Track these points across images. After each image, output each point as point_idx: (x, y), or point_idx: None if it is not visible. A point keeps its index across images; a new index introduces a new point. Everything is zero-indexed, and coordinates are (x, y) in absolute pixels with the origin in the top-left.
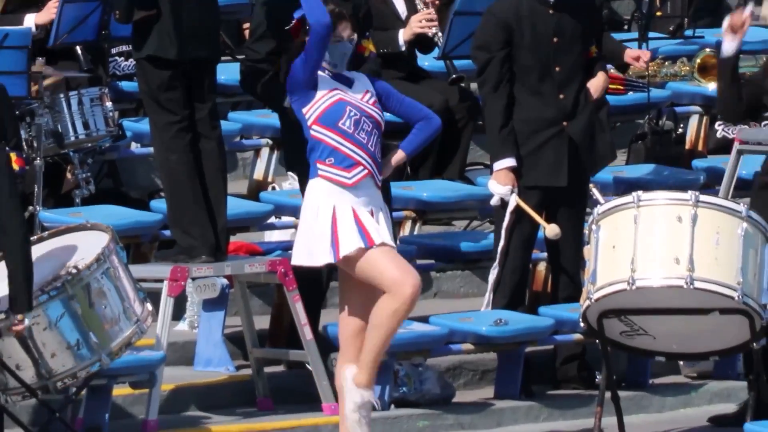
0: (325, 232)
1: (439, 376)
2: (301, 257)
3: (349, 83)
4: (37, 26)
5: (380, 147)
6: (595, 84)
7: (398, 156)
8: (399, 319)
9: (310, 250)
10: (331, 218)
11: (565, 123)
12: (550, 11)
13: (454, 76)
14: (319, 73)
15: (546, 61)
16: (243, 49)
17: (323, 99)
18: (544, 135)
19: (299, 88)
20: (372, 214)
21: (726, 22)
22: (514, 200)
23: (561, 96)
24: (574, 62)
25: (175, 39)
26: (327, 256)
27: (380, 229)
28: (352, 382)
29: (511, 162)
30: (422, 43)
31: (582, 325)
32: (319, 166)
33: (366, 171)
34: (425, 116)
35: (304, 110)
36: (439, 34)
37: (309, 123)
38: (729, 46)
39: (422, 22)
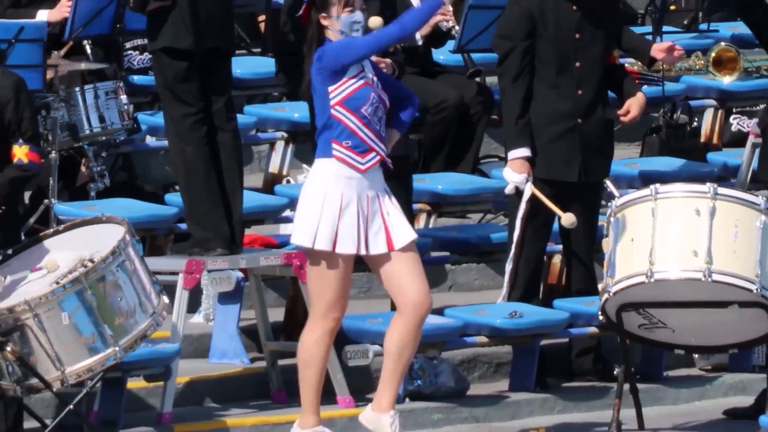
0: (331, 220)
1: (454, 369)
2: (304, 239)
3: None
4: (49, 23)
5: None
6: (638, 104)
7: (395, 137)
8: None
9: (316, 234)
10: (338, 208)
11: (579, 120)
12: (574, 7)
13: (471, 69)
14: None
15: (566, 55)
16: None
17: (351, 82)
18: (558, 129)
19: (332, 68)
20: (377, 198)
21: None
22: (529, 189)
23: (579, 92)
24: (594, 60)
25: (191, 28)
26: (325, 243)
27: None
28: None
29: (526, 152)
30: (435, 37)
31: (601, 317)
32: (334, 146)
33: (378, 157)
34: (408, 95)
35: (330, 88)
36: (456, 27)
37: (332, 103)
38: None
39: (439, 15)
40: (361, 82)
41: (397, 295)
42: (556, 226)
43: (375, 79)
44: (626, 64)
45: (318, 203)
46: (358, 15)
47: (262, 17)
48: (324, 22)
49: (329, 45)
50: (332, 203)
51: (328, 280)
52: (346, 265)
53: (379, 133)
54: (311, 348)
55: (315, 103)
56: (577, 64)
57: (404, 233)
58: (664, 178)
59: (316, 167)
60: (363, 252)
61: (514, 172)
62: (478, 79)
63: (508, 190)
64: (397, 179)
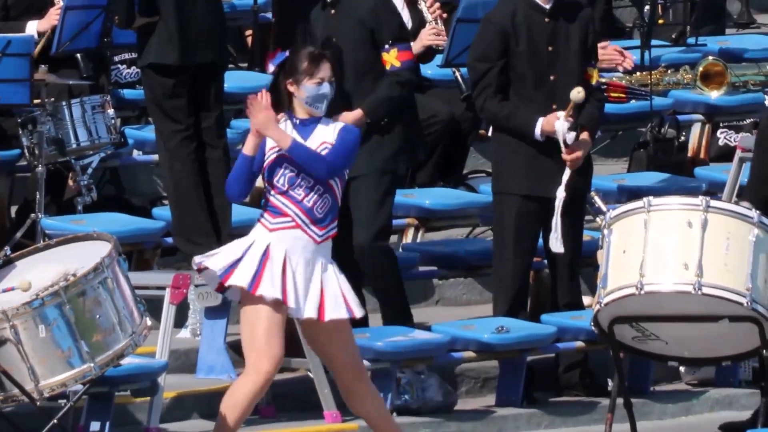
0: (254, 261)
1: (441, 383)
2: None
3: (309, 131)
4: (39, 33)
5: (327, 206)
6: (585, 148)
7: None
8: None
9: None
10: (263, 253)
11: None
12: (546, 19)
13: (466, 93)
14: (282, 117)
15: (540, 69)
16: None
17: (267, 154)
18: (537, 145)
19: None
20: (312, 265)
21: None
22: (564, 117)
23: (554, 106)
24: (569, 72)
25: (177, 44)
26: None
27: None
28: None
29: (542, 118)
30: (425, 54)
31: (594, 329)
32: (262, 211)
33: (293, 223)
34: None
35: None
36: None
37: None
38: None
39: (431, 36)
40: (276, 154)
41: (333, 372)
42: (541, 241)
43: (313, 148)
44: (614, 78)
45: (243, 247)
46: (326, 88)
47: (249, 32)
48: (291, 89)
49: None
50: (258, 249)
51: (265, 328)
52: (278, 315)
53: (300, 202)
54: (238, 396)
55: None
56: (552, 77)
57: (336, 306)
58: (652, 193)
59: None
60: (314, 315)
61: (556, 129)
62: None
63: (571, 137)
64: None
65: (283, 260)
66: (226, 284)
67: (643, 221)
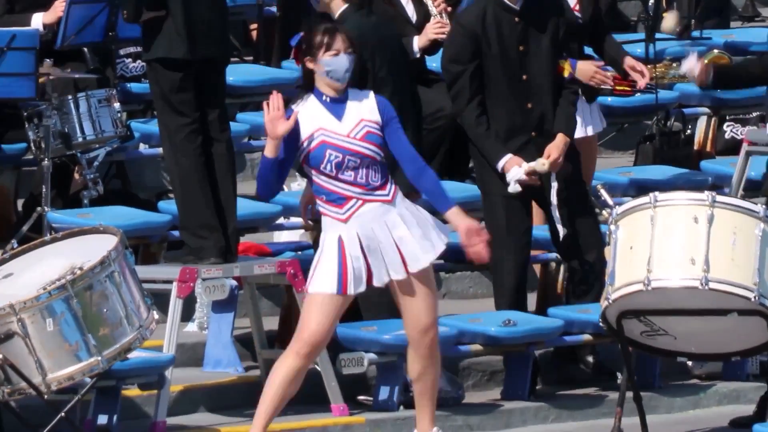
0: (331, 264)
1: (451, 378)
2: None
3: (341, 110)
4: (44, 26)
5: (378, 170)
6: (557, 149)
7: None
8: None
9: (322, 280)
10: (338, 251)
11: (533, 133)
12: (516, 19)
13: None
14: (312, 99)
15: (513, 69)
16: None
17: (306, 142)
18: (513, 145)
19: None
20: (374, 235)
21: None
22: (524, 170)
23: (528, 105)
24: (542, 71)
25: (185, 38)
26: (333, 287)
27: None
28: None
29: (509, 155)
30: (431, 48)
31: (602, 325)
32: (318, 201)
33: (359, 202)
34: (418, 168)
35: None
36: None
37: (301, 161)
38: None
39: (437, 29)
40: (317, 141)
41: (404, 322)
42: (537, 233)
43: (349, 129)
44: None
45: (319, 250)
46: (343, 59)
47: (254, 26)
48: (309, 65)
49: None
50: (331, 249)
51: (317, 313)
52: (329, 306)
53: (354, 181)
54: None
55: None
56: (525, 77)
57: (416, 259)
58: (658, 186)
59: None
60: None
61: (510, 172)
62: None
63: (514, 189)
64: None
65: (349, 247)
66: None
67: (650, 217)
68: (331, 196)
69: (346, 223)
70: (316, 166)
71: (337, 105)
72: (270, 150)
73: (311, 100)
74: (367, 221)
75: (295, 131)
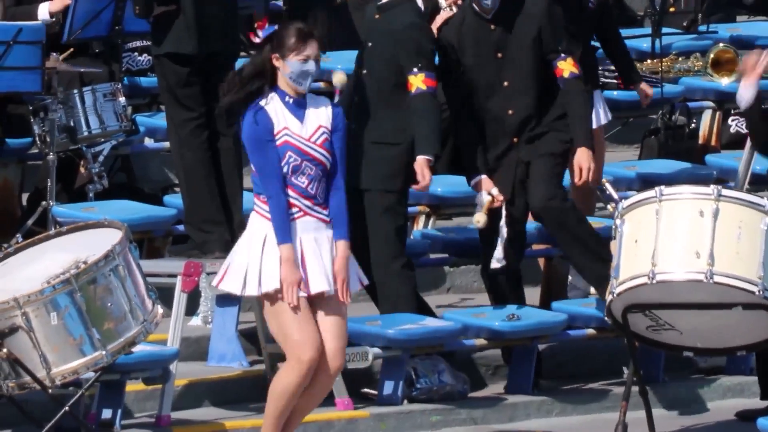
0: (253, 263)
1: (455, 372)
2: (232, 285)
3: (302, 113)
4: (51, 14)
5: (325, 187)
6: (585, 161)
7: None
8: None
9: (243, 281)
10: (260, 250)
11: (515, 139)
12: (492, 27)
13: None
14: (275, 99)
15: (490, 78)
16: None
17: (278, 136)
18: (496, 152)
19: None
20: (313, 241)
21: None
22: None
23: (510, 112)
24: (522, 77)
25: (195, 33)
26: (254, 288)
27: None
28: None
29: (479, 178)
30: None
31: (607, 319)
32: (256, 201)
33: (300, 213)
34: (336, 186)
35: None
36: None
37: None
38: (746, 94)
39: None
40: (280, 141)
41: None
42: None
43: (310, 134)
44: None
45: (243, 250)
46: (311, 65)
47: (259, 24)
48: (276, 63)
49: (249, 126)
50: (255, 247)
51: (291, 317)
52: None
53: (304, 190)
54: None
55: (248, 153)
56: (506, 83)
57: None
58: (663, 180)
59: (249, 220)
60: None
61: (482, 195)
62: None
63: (477, 217)
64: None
65: (300, 248)
66: (263, 293)
67: (655, 211)
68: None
69: (294, 223)
70: None
71: (298, 108)
72: (282, 253)
73: (275, 98)
74: (308, 228)
75: (271, 130)
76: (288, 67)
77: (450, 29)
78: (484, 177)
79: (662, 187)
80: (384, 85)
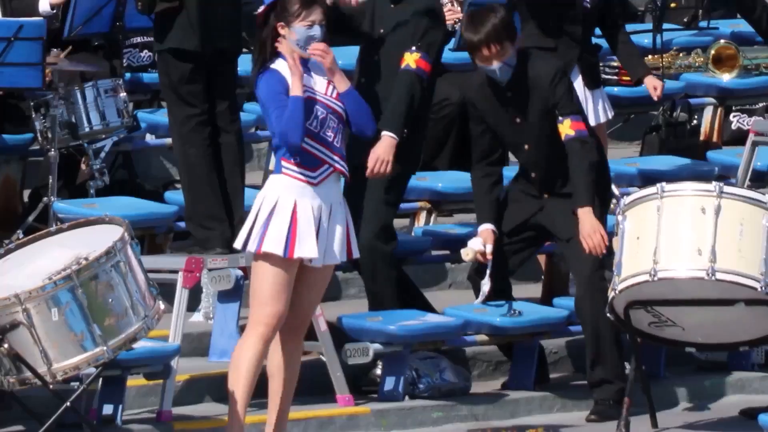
0: (282, 227)
1: (456, 368)
2: (251, 244)
3: (310, 72)
4: (52, 6)
5: (345, 137)
6: (591, 232)
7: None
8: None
9: (269, 238)
10: (290, 215)
11: (546, 195)
12: (508, 93)
13: None
14: (282, 63)
15: (514, 139)
16: None
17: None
18: (527, 204)
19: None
20: (330, 212)
21: None
22: (478, 249)
23: (533, 175)
24: (542, 141)
25: (198, 30)
26: (278, 249)
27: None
28: None
29: (488, 226)
30: None
31: (609, 315)
32: (284, 163)
33: (331, 169)
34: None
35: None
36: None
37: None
38: None
39: (448, 17)
40: (305, 97)
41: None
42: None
43: (325, 89)
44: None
45: (266, 210)
46: (316, 30)
47: None
48: (281, 31)
49: (263, 84)
50: (284, 209)
51: (274, 285)
52: (290, 273)
53: (331, 144)
54: (243, 352)
55: (265, 116)
56: (527, 146)
57: (337, 253)
58: (664, 176)
59: (269, 182)
60: (320, 261)
61: (473, 240)
62: None
63: (465, 254)
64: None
65: (317, 214)
66: (262, 252)
67: (657, 207)
68: (307, 158)
69: (316, 186)
70: None
71: (306, 68)
72: (299, 88)
73: (282, 63)
74: (329, 193)
75: (287, 89)
76: (294, 33)
77: (470, 89)
78: (492, 229)
79: (664, 183)
80: (395, 72)
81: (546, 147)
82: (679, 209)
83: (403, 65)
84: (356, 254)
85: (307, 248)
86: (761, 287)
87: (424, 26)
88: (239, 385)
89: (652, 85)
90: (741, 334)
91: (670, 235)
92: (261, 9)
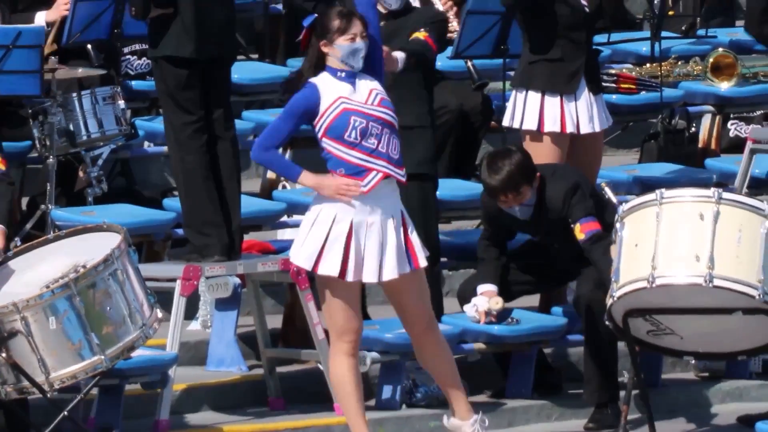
0: (317, 239)
1: None
2: (298, 259)
3: (354, 83)
4: (47, 23)
5: (397, 141)
6: None
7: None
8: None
9: (306, 254)
10: (327, 229)
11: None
12: (528, 219)
13: (478, 82)
14: (326, 75)
15: (540, 244)
16: None
17: (328, 111)
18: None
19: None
20: (391, 220)
21: None
22: (484, 308)
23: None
24: (563, 248)
25: (193, 37)
26: (308, 263)
27: (367, 262)
28: None
29: (491, 287)
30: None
31: (608, 323)
32: (334, 176)
33: (380, 175)
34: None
35: (313, 122)
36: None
37: (319, 135)
38: None
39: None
40: (339, 109)
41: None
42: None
43: (365, 98)
44: (624, 69)
45: (324, 228)
46: (360, 44)
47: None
48: (325, 50)
49: (298, 94)
50: (341, 229)
51: (335, 305)
52: (352, 290)
53: (376, 151)
54: (336, 371)
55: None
56: (555, 245)
57: (411, 258)
58: (663, 184)
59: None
60: (374, 279)
61: (477, 298)
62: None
63: (468, 310)
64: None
65: (364, 234)
66: (318, 273)
67: (655, 214)
68: (352, 168)
69: (366, 195)
70: (339, 136)
71: (350, 79)
72: (311, 180)
73: (325, 75)
74: (380, 203)
75: (312, 106)
76: (338, 50)
77: (491, 206)
78: (492, 287)
79: (663, 189)
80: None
81: (567, 250)
82: (677, 215)
83: (410, 37)
84: (423, 263)
85: (366, 273)
86: (759, 295)
87: (438, 27)
88: (350, 400)
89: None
90: (739, 343)
91: (668, 241)
92: (302, 33)
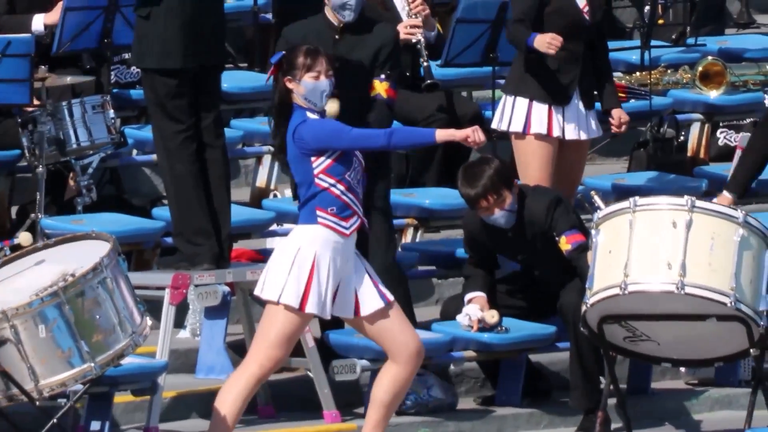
0: (301, 277)
1: (441, 382)
2: (270, 293)
3: None
4: (45, 26)
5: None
6: None
7: None
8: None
9: (281, 288)
10: (309, 267)
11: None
12: (509, 233)
13: (428, 81)
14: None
15: (521, 266)
16: None
17: (332, 150)
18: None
19: (315, 148)
20: (357, 260)
21: None
22: (476, 316)
23: (536, 272)
24: (546, 267)
25: (179, 47)
26: (294, 300)
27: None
28: None
29: (479, 294)
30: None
31: (583, 330)
32: (319, 213)
33: (359, 221)
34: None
35: (312, 158)
36: (422, 41)
37: (316, 172)
38: None
39: (407, 28)
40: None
41: (392, 345)
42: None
43: None
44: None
45: (306, 265)
46: (324, 83)
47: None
48: (289, 86)
49: (314, 124)
50: (324, 267)
51: (288, 336)
52: (306, 325)
53: (360, 195)
54: (240, 392)
55: (293, 169)
56: (536, 272)
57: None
58: (652, 192)
59: (303, 232)
60: (351, 315)
61: (468, 306)
62: (464, 94)
63: (461, 319)
64: None
65: (334, 267)
66: (306, 312)
67: (629, 221)
68: (343, 209)
69: (348, 238)
70: (340, 174)
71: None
72: (443, 137)
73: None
74: (350, 245)
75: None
76: (302, 87)
77: (473, 226)
78: (480, 295)
79: (636, 197)
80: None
81: (550, 270)
82: (650, 223)
83: (373, 93)
84: (390, 297)
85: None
86: (731, 302)
87: (392, 53)
88: (228, 420)
89: (618, 116)
90: (716, 349)
91: (641, 249)
92: (270, 71)
